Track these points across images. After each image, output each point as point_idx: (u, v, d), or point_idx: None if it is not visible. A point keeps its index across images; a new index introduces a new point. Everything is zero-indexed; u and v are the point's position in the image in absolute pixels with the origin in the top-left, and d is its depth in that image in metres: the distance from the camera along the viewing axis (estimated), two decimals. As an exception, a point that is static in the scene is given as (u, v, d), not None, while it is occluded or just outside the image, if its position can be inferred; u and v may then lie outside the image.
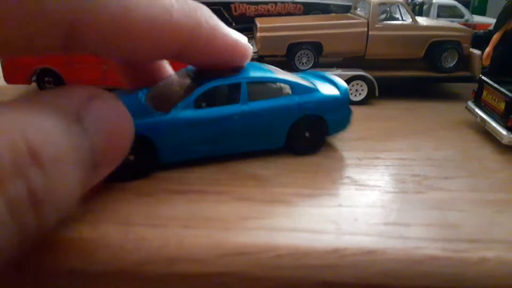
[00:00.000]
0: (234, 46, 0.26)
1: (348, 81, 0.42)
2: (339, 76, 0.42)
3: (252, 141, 0.28)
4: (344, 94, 0.31)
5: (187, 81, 0.29)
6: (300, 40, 0.44)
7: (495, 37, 0.43)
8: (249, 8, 0.54)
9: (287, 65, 0.44)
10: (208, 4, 0.53)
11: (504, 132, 0.31)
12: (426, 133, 0.35)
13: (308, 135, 0.30)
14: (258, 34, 0.44)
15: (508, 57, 0.43)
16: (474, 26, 0.55)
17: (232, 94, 0.28)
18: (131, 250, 0.18)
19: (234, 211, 0.22)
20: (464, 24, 0.56)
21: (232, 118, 0.27)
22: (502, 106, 0.32)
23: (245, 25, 0.52)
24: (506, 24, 0.42)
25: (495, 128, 0.32)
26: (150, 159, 0.26)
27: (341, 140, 0.32)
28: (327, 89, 0.31)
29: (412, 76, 0.45)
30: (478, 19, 0.56)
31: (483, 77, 0.36)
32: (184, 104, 0.27)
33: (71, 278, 0.19)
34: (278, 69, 0.32)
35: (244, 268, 0.18)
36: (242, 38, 0.26)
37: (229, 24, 0.54)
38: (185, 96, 0.27)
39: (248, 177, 0.26)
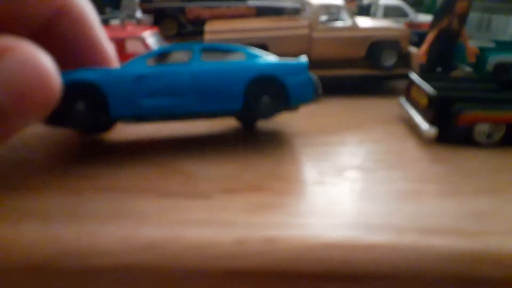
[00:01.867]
0: (102, 50, 0.24)
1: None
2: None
3: (206, 101, 0.29)
4: (302, 62, 0.31)
5: None
6: (246, 42, 0.45)
7: (430, 36, 0.45)
8: (203, 11, 0.55)
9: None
10: (162, 9, 0.55)
11: (425, 126, 0.33)
12: (358, 127, 0.37)
13: (266, 100, 0.30)
14: (206, 37, 0.46)
15: (442, 54, 0.45)
16: (418, 25, 0.58)
17: (184, 57, 0.29)
18: (44, 245, 0.20)
19: (153, 206, 0.23)
20: (409, 23, 0.59)
21: (181, 74, 0.29)
22: (424, 101, 0.34)
23: (200, 27, 0.53)
24: (440, 23, 0.45)
25: (418, 122, 0.34)
26: (101, 110, 0.27)
27: (275, 135, 0.34)
28: (284, 60, 0.31)
29: (354, 75, 0.47)
30: (422, 18, 0.58)
31: (411, 74, 0.38)
32: (136, 61, 0.28)
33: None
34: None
35: (151, 260, 0.20)
36: (111, 48, 0.25)
37: (184, 27, 0.56)
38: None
39: (175, 172, 0.28)
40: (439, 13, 0.44)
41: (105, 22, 0.53)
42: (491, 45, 0.53)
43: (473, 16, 0.61)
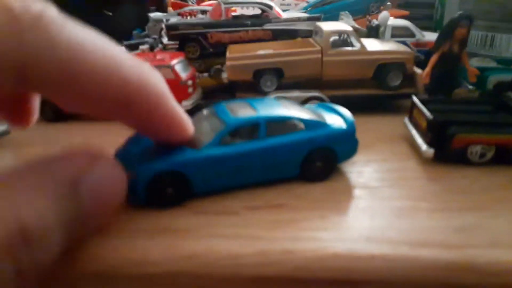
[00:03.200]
0: (179, 120, 0.26)
1: (305, 101, 0.49)
2: (297, 97, 0.49)
3: (270, 172, 0.33)
4: (351, 126, 0.36)
5: (211, 120, 0.33)
6: (264, 67, 0.50)
7: (433, 58, 0.49)
8: (223, 36, 0.60)
9: (254, 87, 0.51)
10: (187, 34, 0.60)
11: (424, 147, 0.37)
12: (366, 147, 0.41)
13: (319, 164, 0.34)
14: (227, 63, 0.50)
15: (445, 75, 0.49)
16: (424, 44, 0.61)
17: (252, 132, 0.32)
18: (106, 256, 0.25)
19: (191, 222, 0.28)
20: (415, 43, 0.63)
21: (252, 153, 0.32)
22: (424, 124, 0.38)
23: (221, 50, 0.58)
24: (443, 46, 0.49)
25: (419, 143, 0.38)
26: (185, 191, 0.30)
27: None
28: (335, 122, 0.35)
29: (362, 94, 0.52)
30: (428, 37, 0.62)
31: (413, 97, 0.43)
32: (212, 142, 0.31)
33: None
34: (291, 104, 0.37)
35: (192, 268, 0.25)
36: (187, 118, 0.27)
37: (206, 49, 0.61)
38: (211, 134, 0.31)
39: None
40: (440, 37, 0.48)
41: (135, 47, 0.58)
42: (493, 64, 0.57)
43: (477, 34, 0.64)
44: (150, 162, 0.29)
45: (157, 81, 0.24)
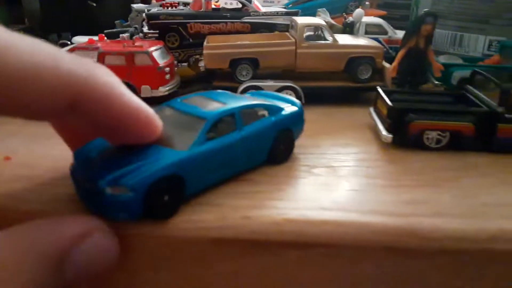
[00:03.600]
0: (137, 111, 0.24)
1: (279, 90, 0.51)
2: (271, 86, 0.51)
3: (248, 162, 0.33)
4: (301, 108, 0.38)
5: (181, 118, 0.31)
6: (240, 57, 0.52)
7: (400, 53, 0.52)
8: (203, 27, 0.62)
9: (230, 76, 0.53)
10: (167, 24, 0.61)
11: (384, 132, 0.40)
12: (332, 133, 0.44)
13: (282, 147, 0.36)
14: (204, 51, 0.52)
15: (411, 70, 0.52)
16: (397, 41, 0.64)
17: (229, 123, 0.31)
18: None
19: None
20: (388, 40, 0.66)
21: (235, 144, 0.31)
22: (385, 111, 0.41)
23: (200, 40, 0.59)
24: (409, 42, 0.51)
25: (380, 129, 0.41)
26: (181, 195, 0.28)
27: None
28: (288, 106, 0.37)
29: (334, 86, 0.54)
30: (401, 35, 0.64)
31: (378, 88, 0.45)
32: (198, 140, 0.29)
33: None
34: (244, 95, 0.38)
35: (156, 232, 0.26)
36: (147, 106, 0.25)
37: (186, 40, 0.63)
38: (191, 132, 0.29)
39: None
40: (407, 34, 0.51)
41: (115, 36, 0.60)
42: (459, 61, 0.60)
43: (447, 34, 0.67)
44: (139, 169, 0.25)
45: (104, 75, 0.23)
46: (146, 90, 0.50)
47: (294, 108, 0.37)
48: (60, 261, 0.20)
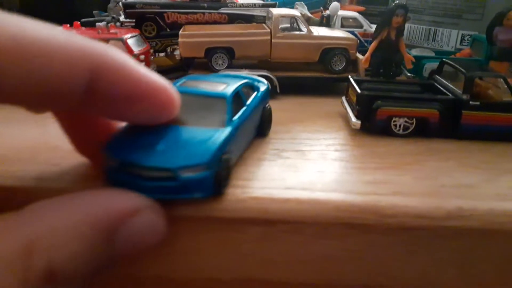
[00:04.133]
0: (157, 83, 0.24)
1: (253, 80, 0.51)
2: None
3: (249, 137, 0.34)
4: (268, 86, 0.40)
5: (193, 101, 0.30)
6: (215, 45, 0.53)
7: (373, 45, 0.52)
8: (180, 17, 0.62)
9: (206, 65, 0.53)
10: (143, 13, 0.61)
11: (353, 119, 0.41)
12: (304, 121, 0.44)
13: (267, 121, 0.38)
14: (180, 40, 0.52)
15: (383, 61, 0.53)
16: (371, 34, 0.65)
17: (239, 100, 0.32)
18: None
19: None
20: (363, 33, 0.67)
21: (246, 120, 0.32)
22: (354, 98, 0.42)
23: (177, 31, 0.59)
24: (381, 34, 0.52)
25: (350, 116, 0.42)
26: (230, 170, 0.29)
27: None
28: (261, 84, 0.39)
29: (308, 77, 0.55)
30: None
31: (349, 77, 0.46)
32: (229, 117, 0.29)
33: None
34: (224, 76, 0.39)
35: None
36: (165, 81, 0.24)
37: (164, 30, 0.63)
38: (214, 113, 0.29)
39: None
40: (379, 25, 0.52)
41: (92, 25, 0.59)
42: (431, 54, 0.61)
43: (421, 29, 0.69)
44: (204, 147, 0.26)
45: (115, 50, 0.23)
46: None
47: (266, 86, 0.39)
48: (112, 232, 0.20)
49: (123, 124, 0.28)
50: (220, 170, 0.26)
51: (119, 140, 0.27)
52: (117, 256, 0.21)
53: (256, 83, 0.38)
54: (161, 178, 0.25)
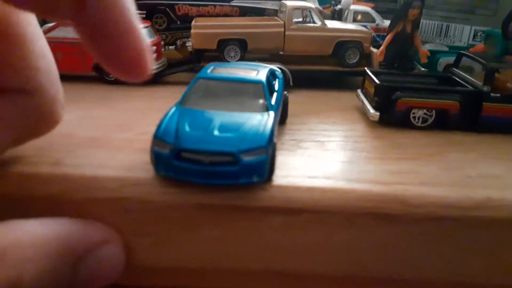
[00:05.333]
0: (134, 34, 0.21)
1: (266, 72, 0.51)
2: (259, 68, 0.50)
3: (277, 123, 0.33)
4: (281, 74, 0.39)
5: (230, 86, 0.31)
6: (228, 37, 0.52)
7: (388, 38, 0.52)
8: (191, 9, 0.61)
9: (218, 57, 0.53)
10: (154, 5, 0.60)
11: (371, 110, 0.40)
12: (319, 113, 0.44)
13: (286, 108, 0.38)
14: (192, 31, 0.52)
15: (398, 54, 0.52)
16: (384, 29, 0.64)
17: (270, 85, 0.33)
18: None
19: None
20: (375, 28, 0.66)
21: (279, 105, 0.33)
22: (372, 90, 0.41)
23: (187, 24, 0.59)
24: (396, 27, 0.51)
25: (367, 108, 0.41)
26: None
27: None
28: (277, 72, 0.39)
29: (321, 70, 0.54)
30: (387, 23, 0.65)
31: (366, 69, 0.45)
32: (269, 101, 0.30)
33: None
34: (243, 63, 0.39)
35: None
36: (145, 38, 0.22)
37: (174, 22, 0.62)
38: (254, 98, 0.30)
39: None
40: (394, 18, 0.51)
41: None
42: (445, 48, 0.60)
43: (434, 24, 0.68)
44: (259, 131, 0.26)
45: None
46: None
47: (281, 74, 0.39)
48: (78, 259, 0.21)
49: (167, 111, 0.28)
50: (273, 152, 0.27)
51: (170, 127, 0.26)
52: (77, 286, 0.22)
53: (275, 71, 0.38)
54: (222, 163, 0.25)
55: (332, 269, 0.28)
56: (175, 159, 0.25)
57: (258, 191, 0.26)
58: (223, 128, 0.26)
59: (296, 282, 0.29)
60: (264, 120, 0.27)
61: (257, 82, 0.31)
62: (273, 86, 0.34)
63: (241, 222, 0.26)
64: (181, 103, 0.30)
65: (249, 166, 0.25)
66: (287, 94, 0.38)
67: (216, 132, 0.26)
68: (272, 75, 0.36)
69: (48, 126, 0.27)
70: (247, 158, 0.25)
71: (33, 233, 0.20)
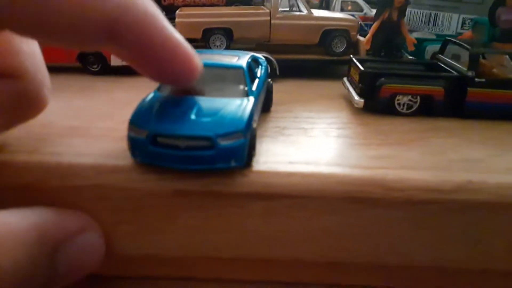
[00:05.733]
0: (179, 47, 0.23)
1: (253, 61, 0.50)
2: (245, 57, 0.50)
3: (260, 110, 0.33)
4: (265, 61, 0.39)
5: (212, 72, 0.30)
6: (213, 26, 0.51)
7: (374, 26, 0.51)
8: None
9: (204, 47, 0.52)
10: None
11: (356, 97, 0.40)
12: (305, 101, 0.43)
13: (270, 95, 0.38)
14: (177, 20, 0.51)
15: (385, 42, 0.52)
16: (372, 18, 0.64)
17: (251, 72, 0.32)
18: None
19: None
20: (363, 17, 0.66)
21: (261, 91, 0.32)
22: (357, 77, 0.41)
23: (172, 15, 0.58)
24: (382, 14, 0.51)
25: (352, 95, 0.41)
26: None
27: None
28: (262, 60, 0.38)
29: (308, 59, 0.54)
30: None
31: (352, 57, 0.45)
32: (249, 86, 0.30)
33: None
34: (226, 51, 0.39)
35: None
36: (189, 45, 0.23)
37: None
38: (235, 83, 0.30)
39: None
40: (380, 6, 0.51)
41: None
42: (432, 36, 0.60)
43: (422, 13, 0.68)
44: (237, 115, 0.26)
45: (145, 4, 0.21)
46: (115, 58, 0.48)
47: (265, 61, 0.38)
48: (56, 248, 0.20)
49: (144, 97, 0.28)
50: (252, 138, 0.26)
51: (146, 112, 0.26)
52: (57, 278, 0.21)
53: (259, 59, 0.37)
54: (198, 148, 0.24)
55: (314, 254, 0.28)
56: (151, 144, 0.24)
57: (237, 176, 0.26)
58: (200, 113, 0.26)
59: (277, 268, 0.29)
60: (243, 105, 0.27)
61: (238, 68, 0.31)
62: (255, 73, 0.34)
63: (221, 209, 0.26)
64: (159, 89, 0.29)
65: (226, 150, 0.24)
66: (271, 82, 0.37)
67: (192, 117, 0.25)
68: (254, 61, 0.35)
69: (37, 109, 0.27)
70: (224, 143, 0.24)
71: (9, 223, 0.20)
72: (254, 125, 0.28)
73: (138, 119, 0.25)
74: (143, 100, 0.28)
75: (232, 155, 0.25)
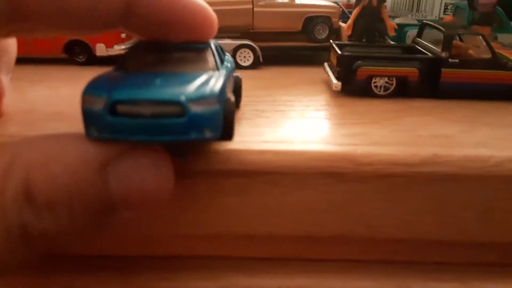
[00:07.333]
0: (192, 8, 0.24)
1: (236, 48, 0.51)
2: (228, 44, 0.51)
3: None
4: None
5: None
6: (196, 16, 0.52)
7: (355, 12, 0.52)
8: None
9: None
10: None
11: (334, 81, 0.41)
12: (286, 86, 0.44)
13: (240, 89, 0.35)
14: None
15: (366, 28, 0.53)
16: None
17: (219, 55, 0.30)
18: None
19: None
20: (346, 4, 0.66)
21: (230, 73, 0.31)
22: (335, 61, 0.42)
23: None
24: (363, 1, 0.52)
25: (331, 79, 0.42)
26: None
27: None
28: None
29: (291, 46, 0.54)
30: (359, 0, 0.66)
31: (331, 42, 0.46)
32: (217, 63, 0.28)
33: None
34: None
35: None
36: (202, 2, 0.25)
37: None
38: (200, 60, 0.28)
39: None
40: (361, -9, 0.52)
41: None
42: (414, 22, 0.61)
43: (405, -1, 0.69)
44: (211, 83, 0.23)
45: None
46: (101, 48, 0.49)
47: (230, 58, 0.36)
48: (103, 170, 0.19)
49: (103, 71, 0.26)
50: (227, 108, 0.24)
51: (103, 81, 0.23)
52: (115, 201, 0.19)
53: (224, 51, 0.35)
54: (167, 115, 0.20)
55: (289, 229, 0.29)
56: (110, 114, 0.20)
57: (211, 154, 0.27)
58: (168, 80, 0.22)
59: (254, 244, 0.30)
60: (216, 75, 0.24)
61: (206, 46, 0.28)
62: (223, 55, 0.32)
63: (195, 186, 0.27)
64: (121, 65, 0.26)
65: (199, 117, 0.21)
66: (240, 76, 0.36)
67: (158, 82, 0.22)
68: (222, 49, 0.34)
69: None
70: (196, 109, 0.21)
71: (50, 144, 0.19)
72: (230, 96, 0.26)
73: (93, 88, 0.21)
74: (100, 74, 0.24)
75: (206, 124, 0.21)
